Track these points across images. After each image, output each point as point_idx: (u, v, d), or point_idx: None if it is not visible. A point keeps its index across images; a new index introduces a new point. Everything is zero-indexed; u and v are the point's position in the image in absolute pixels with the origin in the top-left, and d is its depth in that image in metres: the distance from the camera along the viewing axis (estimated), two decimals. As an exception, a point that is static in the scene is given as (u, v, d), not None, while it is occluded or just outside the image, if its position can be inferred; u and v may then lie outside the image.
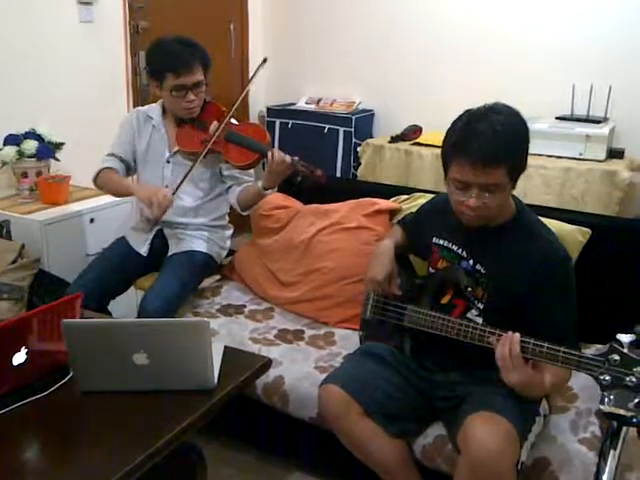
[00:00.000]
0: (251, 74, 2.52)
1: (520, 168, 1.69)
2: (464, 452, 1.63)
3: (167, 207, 2.34)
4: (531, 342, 1.60)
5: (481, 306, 1.80)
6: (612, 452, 1.71)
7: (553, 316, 1.71)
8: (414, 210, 2.21)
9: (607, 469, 1.69)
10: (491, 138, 1.61)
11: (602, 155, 3.29)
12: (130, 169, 2.60)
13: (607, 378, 1.48)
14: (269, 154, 2.31)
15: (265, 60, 2.45)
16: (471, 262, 1.81)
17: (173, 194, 2.37)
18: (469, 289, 1.81)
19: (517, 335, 1.61)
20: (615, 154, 3.39)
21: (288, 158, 2.30)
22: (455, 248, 1.86)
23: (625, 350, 1.48)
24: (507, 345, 1.60)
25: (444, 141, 1.72)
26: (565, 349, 1.56)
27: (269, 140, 2.46)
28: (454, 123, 1.71)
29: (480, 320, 1.79)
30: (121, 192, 2.54)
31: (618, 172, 3.17)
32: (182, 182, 2.39)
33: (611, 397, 1.49)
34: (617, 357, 1.48)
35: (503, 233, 1.77)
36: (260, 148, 2.37)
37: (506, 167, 1.62)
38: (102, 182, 2.53)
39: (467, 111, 1.70)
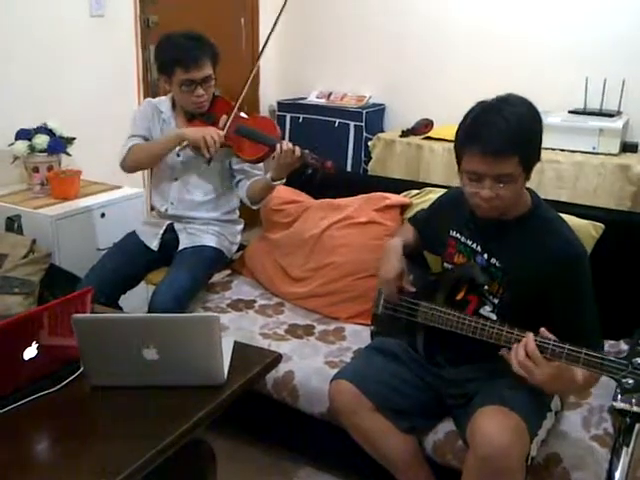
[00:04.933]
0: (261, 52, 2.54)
1: (533, 159, 1.67)
2: (472, 447, 1.62)
3: (220, 143, 2.35)
4: (550, 342, 1.55)
5: (496, 301, 1.79)
6: (625, 449, 1.70)
7: (572, 313, 1.69)
8: (425, 205, 2.19)
9: (620, 466, 1.68)
10: (502, 129, 1.60)
11: (615, 149, 3.26)
12: None
13: (630, 382, 1.45)
14: (278, 146, 2.30)
15: (285, 2, 2.43)
16: (486, 256, 1.80)
17: (224, 132, 2.38)
18: (485, 287, 1.79)
19: (530, 335, 1.57)
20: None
21: (298, 150, 2.29)
22: (469, 243, 1.84)
23: None
24: (521, 350, 1.56)
25: (456, 133, 1.72)
26: (587, 351, 1.51)
27: (279, 132, 2.45)
28: (466, 115, 1.71)
29: (494, 317, 1.77)
30: (166, 146, 2.45)
31: (632, 166, 3.15)
32: (229, 119, 2.41)
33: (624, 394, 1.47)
34: None
35: (519, 226, 1.75)
36: (270, 141, 2.36)
37: (518, 157, 1.61)
38: (136, 156, 2.48)
39: (479, 103, 1.70)
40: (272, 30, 2.47)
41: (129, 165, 2.53)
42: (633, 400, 1.59)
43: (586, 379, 1.59)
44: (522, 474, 1.62)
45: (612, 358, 1.49)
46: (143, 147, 2.50)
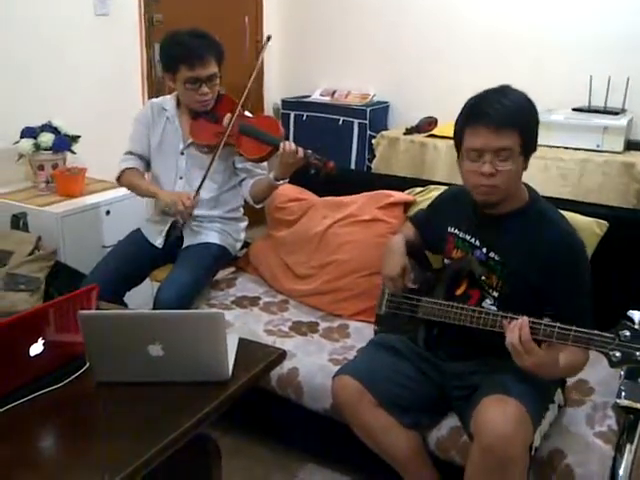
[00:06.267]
0: (261, 63, 2.52)
1: (531, 142, 1.71)
2: (476, 436, 1.63)
3: (192, 210, 2.42)
4: (542, 323, 1.58)
5: (496, 294, 1.80)
6: (629, 446, 1.70)
7: (568, 303, 1.70)
8: (427, 203, 2.20)
9: (624, 463, 1.68)
10: (505, 105, 1.66)
11: (620, 147, 3.25)
12: (150, 165, 2.63)
13: (617, 354, 1.47)
14: (282, 146, 2.31)
15: (269, 38, 2.45)
16: (484, 250, 1.81)
17: (195, 196, 2.42)
18: (483, 278, 1.80)
19: (526, 318, 1.59)
20: (633, 146, 3.35)
21: (301, 151, 2.30)
22: (468, 237, 1.86)
23: (636, 326, 1.48)
24: (516, 330, 1.58)
25: (457, 119, 1.76)
26: (576, 328, 1.54)
27: (282, 132, 2.46)
28: (468, 101, 1.76)
29: (494, 309, 1.78)
30: (147, 196, 2.62)
31: (636, 164, 3.14)
32: (202, 184, 2.44)
33: (628, 390, 1.48)
34: (627, 333, 1.47)
35: (515, 219, 1.77)
36: (273, 140, 2.37)
37: (518, 132, 1.65)
38: (127, 183, 2.61)
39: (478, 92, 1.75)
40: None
41: (123, 185, 2.65)
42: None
43: (566, 368, 1.65)
44: (525, 463, 1.62)
45: (599, 332, 1.51)
46: (131, 182, 2.59)
